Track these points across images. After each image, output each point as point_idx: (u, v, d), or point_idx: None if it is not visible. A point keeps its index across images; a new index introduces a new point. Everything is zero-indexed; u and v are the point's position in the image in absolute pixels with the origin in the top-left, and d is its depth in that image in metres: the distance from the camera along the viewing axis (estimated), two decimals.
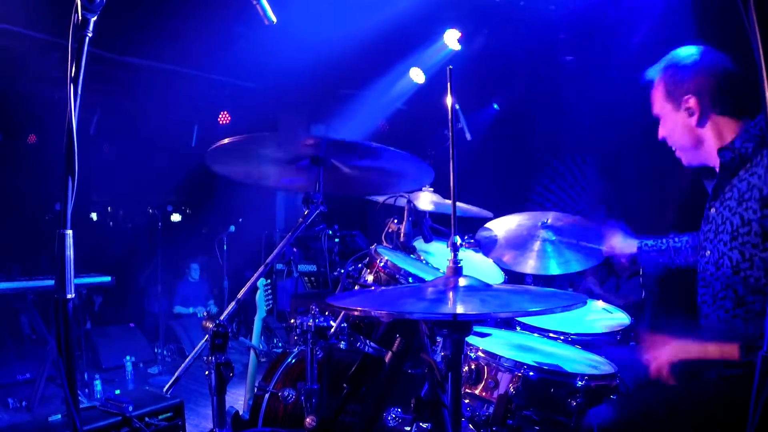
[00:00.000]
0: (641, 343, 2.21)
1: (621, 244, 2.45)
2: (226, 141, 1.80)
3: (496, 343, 2.20)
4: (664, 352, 1.84)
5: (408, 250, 2.46)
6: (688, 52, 1.94)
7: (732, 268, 1.81)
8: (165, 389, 1.67)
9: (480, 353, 2.00)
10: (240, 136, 1.80)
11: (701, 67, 1.89)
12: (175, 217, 8.53)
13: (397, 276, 1.97)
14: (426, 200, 2.93)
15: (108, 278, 5.01)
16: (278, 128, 7.91)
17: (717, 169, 1.93)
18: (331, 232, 5.81)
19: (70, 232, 1.22)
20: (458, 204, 1.37)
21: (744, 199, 1.79)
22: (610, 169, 4.83)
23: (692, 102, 1.90)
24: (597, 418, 1.74)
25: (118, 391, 4.37)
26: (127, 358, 5.51)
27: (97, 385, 4.79)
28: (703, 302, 1.97)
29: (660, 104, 2.01)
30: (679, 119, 1.95)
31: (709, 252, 1.93)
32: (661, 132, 2.04)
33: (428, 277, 1.79)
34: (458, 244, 1.35)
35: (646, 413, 1.75)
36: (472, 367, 2.01)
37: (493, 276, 2.70)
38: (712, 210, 1.94)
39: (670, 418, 1.74)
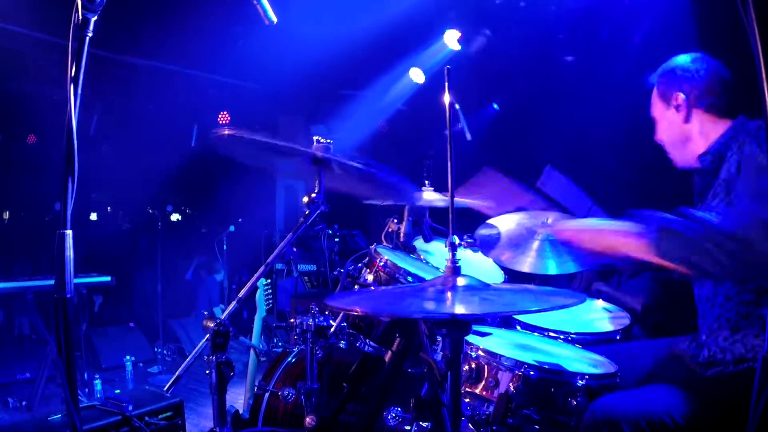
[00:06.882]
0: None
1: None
2: (227, 132, 1.79)
3: (496, 342, 2.20)
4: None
5: (408, 249, 2.46)
6: (683, 58, 2.04)
7: None
8: (165, 388, 1.68)
9: (480, 352, 2.00)
10: (247, 133, 1.80)
11: (693, 69, 1.98)
12: (175, 217, 8.52)
13: (397, 275, 1.97)
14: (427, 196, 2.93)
15: (108, 278, 5.01)
16: (278, 129, 7.91)
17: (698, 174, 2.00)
18: (331, 232, 5.82)
19: (69, 232, 1.23)
20: (456, 199, 1.38)
21: (719, 195, 1.83)
22: (608, 169, 4.82)
23: (680, 98, 1.98)
24: (598, 411, 1.74)
25: (118, 391, 4.37)
26: (127, 357, 5.50)
27: (97, 384, 4.78)
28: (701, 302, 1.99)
29: (655, 105, 2.11)
30: (668, 116, 2.04)
31: None
32: (657, 133, 2.13)
33: (428, 277, 1.79)
34: (457, 243, 1.35)
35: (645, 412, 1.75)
36: (473, 366, 2.00)
37: (493, 275, 2.70)
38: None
39: (670, 417, 1.74)
